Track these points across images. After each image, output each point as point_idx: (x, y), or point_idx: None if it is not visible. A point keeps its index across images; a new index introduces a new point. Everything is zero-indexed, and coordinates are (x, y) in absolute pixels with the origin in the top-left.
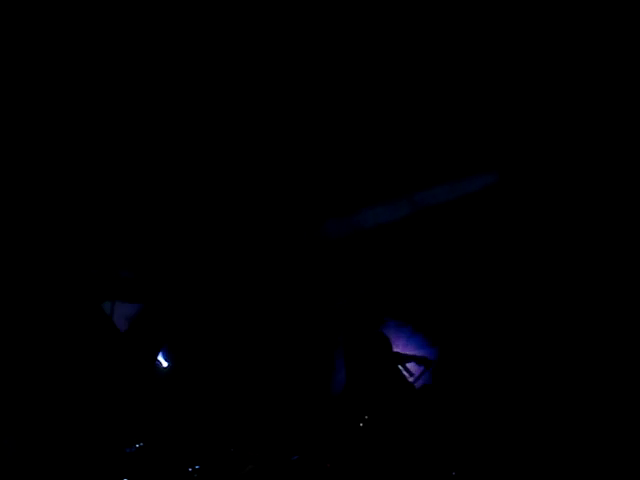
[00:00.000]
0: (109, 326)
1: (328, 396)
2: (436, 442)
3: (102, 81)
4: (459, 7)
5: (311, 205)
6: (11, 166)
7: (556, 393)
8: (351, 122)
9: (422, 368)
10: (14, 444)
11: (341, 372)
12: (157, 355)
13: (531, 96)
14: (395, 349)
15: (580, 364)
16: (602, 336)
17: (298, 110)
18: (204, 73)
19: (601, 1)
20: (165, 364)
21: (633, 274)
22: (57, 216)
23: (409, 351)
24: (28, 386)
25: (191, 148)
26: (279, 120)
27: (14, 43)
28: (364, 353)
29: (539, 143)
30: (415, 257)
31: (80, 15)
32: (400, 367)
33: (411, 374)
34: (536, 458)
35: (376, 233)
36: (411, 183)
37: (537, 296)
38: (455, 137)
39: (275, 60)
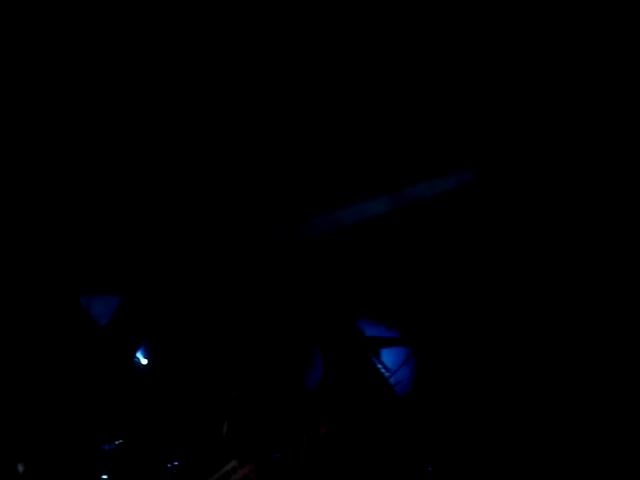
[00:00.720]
0: (87, 321)
1: (304, 392)
2: (412, 438)
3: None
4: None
5: (290, 202)
6: None
7: (534, 385)
8: (333, 119)
9: (399, 362)
10: None
11: (318, 369)
12: (136, 351)
13: (507, 94)
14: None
15: (561, 359)
16: (582, 332)
17: (278, 107)
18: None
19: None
20: (144, 361)
21: (610, 270)
22: (33, 212)
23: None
24: (3, 382)
25: (168, 143)
26: (259, 116)
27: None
28: (340, 349)
29: (514, 141)
30: (392, 254)
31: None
32: (376, 361)
33: (387, 369)
34: (515, 454)
35: (354, 230)
36: (389, 180)
37: (512, 292)
38: (432, 134)
39: (253, 54)
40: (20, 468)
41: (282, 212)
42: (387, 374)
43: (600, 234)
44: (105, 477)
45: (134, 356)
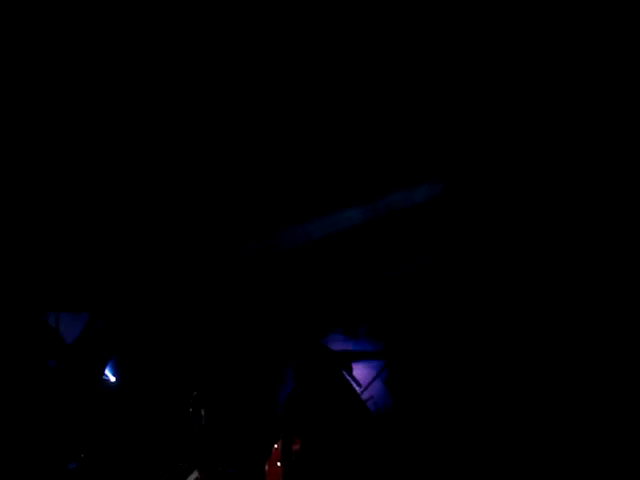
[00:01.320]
0: (54, 338)
1: (275, 408)
2: (386, 453)
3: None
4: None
5: (261, 215)
6: None
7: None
8: (305, 131)
9: (370, 377)
10: None
11: (290, 384)
12: (104, 368)
13: (477, 104)
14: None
15: (538, 366)
16: (562, 341)
17: (251, 120)
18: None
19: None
20: (113, 379)
21: (591, 282)
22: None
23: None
24: None
25: (141, 158)
26: (233, 129)
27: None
28: (309, 364)
29: (482, 153)
30: (361, 267)
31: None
32: (347, 376)
33: (359, 384)
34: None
35: (324, 242)
36: (360, 192)
37: (482, 303)
38: (402, 146)
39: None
40: None
41: (253, 225)
42: (359, 389)
43: (569, 242)
44: None
45: (103, 374)
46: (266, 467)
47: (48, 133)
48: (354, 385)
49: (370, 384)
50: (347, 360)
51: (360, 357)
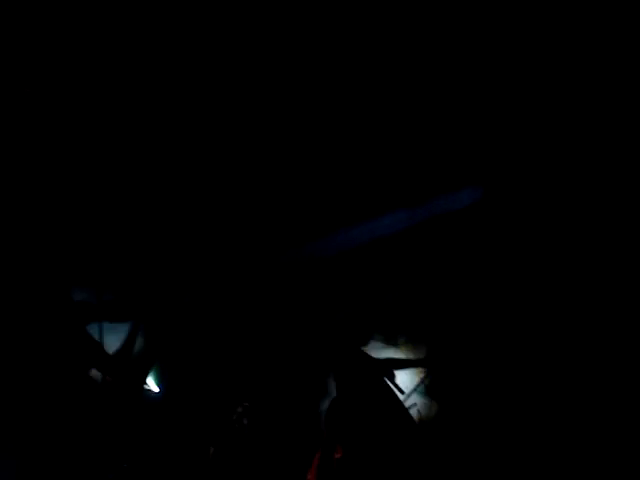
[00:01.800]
0: (97, 349)
1: (316, 417)
2: (429, 461)
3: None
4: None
5: (302, 223)
6: None
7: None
8: (340, 139)
9: (413, 385)
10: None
11: (331, 393)
12: (146, 378)
13: (513, 109)
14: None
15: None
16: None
17: (284, 128)
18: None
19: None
20: (156, 389)
21: (619, 290)
22: (44, 240)
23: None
24: (15, 412)
25: (178, 165)
26: (270, 136)
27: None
28: (350, 372)
29: (523, 157)
30: (402, 274)
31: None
32: (390, 384)
33: (401, 391)
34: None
35: (369, 248)
36: (402, 198)
37: (527, 309)
38: (440, 152)
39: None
40: None
41: (293, 234)
42: (401, 396)
43: (611, 249)
44: None
45: (145, 383)
46: (308, 477)
47: (85, 145)
48: (396, 392)
49: (413, 392)
50: (389, 367)
51: (402, 365)
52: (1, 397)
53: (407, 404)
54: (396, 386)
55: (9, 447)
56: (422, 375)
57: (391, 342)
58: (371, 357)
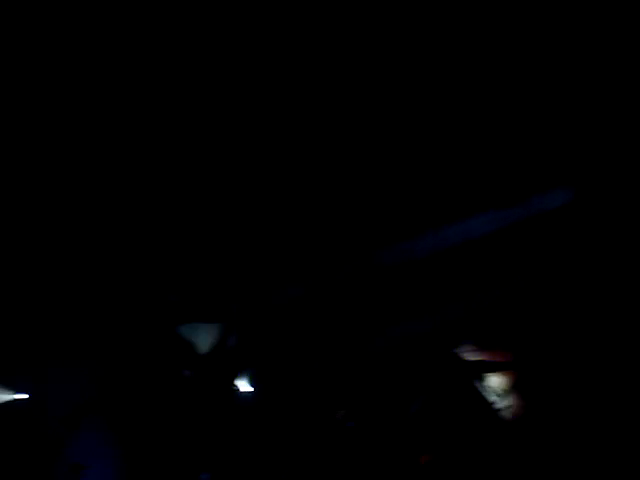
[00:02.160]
0: (188, 349)
1: (406, 420)
2: (518, 465)
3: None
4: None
5: (394, 223)
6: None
7: None
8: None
9: (504, 387)
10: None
11: (420, 395)
12: (236, 379)
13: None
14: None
15: None
16: None
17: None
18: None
19: None
20: (247, 390)
21: None
22: (135, 243)
23: None
24: (111, 412)
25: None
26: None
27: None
28: (441, 375)
29: (615, 159)
30: (493, 276)
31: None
32: (480, 387)
33: (493, 394)
34: None
35: (455, 251)
36: (495, 198)
37: (617, 311)
38: (532, 153)
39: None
40: None
41: (383, 235)
42: (493, 399)
43: None
44: None
45: (235, 385)
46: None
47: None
48: (487, 395)
49: (504, 394)
50: (479, 370)
51: (492, 367)
52: (98, 397)
53: (499, 406)
54: (486, 388)
55: (106, 448)
56: (514, 377)
57: (481, 345)
58: (462, 359)
